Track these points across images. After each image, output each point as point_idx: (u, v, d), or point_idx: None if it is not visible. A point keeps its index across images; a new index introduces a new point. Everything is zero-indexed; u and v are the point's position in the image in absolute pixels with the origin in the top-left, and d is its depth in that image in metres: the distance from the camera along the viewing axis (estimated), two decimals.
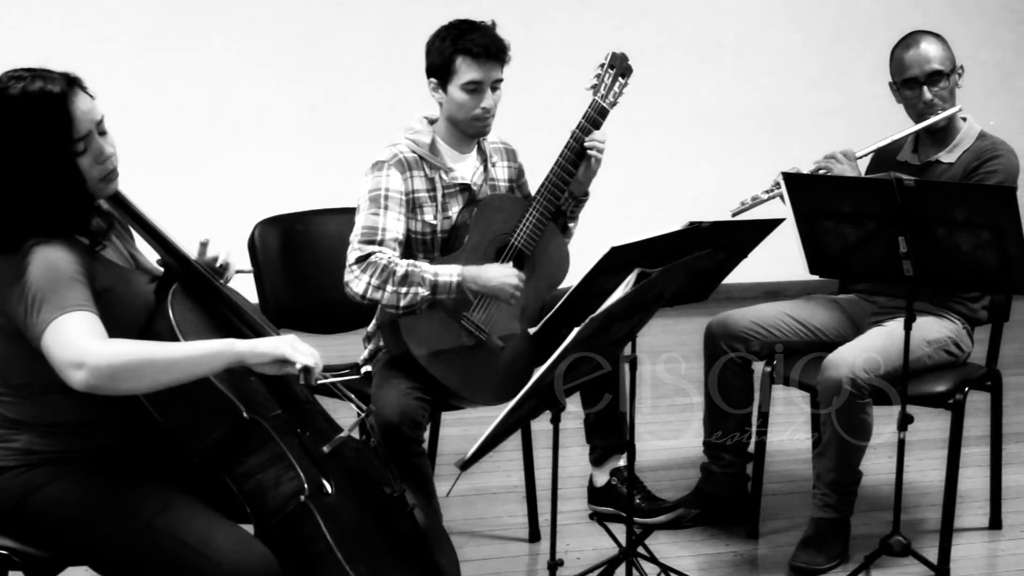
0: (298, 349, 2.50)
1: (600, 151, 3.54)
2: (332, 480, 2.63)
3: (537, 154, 3.77)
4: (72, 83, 2.46)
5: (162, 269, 2.71)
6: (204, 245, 2.76)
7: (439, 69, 3.47)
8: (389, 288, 3.34)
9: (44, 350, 2.39)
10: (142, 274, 2.65)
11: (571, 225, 3.71)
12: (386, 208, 3.41)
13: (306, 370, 2.50)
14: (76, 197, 2.48)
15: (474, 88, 3.45)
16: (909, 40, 3.75)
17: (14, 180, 2.42)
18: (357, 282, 3.36)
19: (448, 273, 3.37)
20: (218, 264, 2.78)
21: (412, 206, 3.47)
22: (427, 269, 3.37)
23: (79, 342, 2.35)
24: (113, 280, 2.54)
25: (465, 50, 3.42)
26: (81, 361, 2.34)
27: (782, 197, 3.56)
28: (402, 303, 3.35)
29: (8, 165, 2.42)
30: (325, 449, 2.65)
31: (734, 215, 3.62)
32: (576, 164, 3.54)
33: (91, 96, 2.49)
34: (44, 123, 2.41)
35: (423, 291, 3.34)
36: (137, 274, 2.64)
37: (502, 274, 3.41)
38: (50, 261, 2.41)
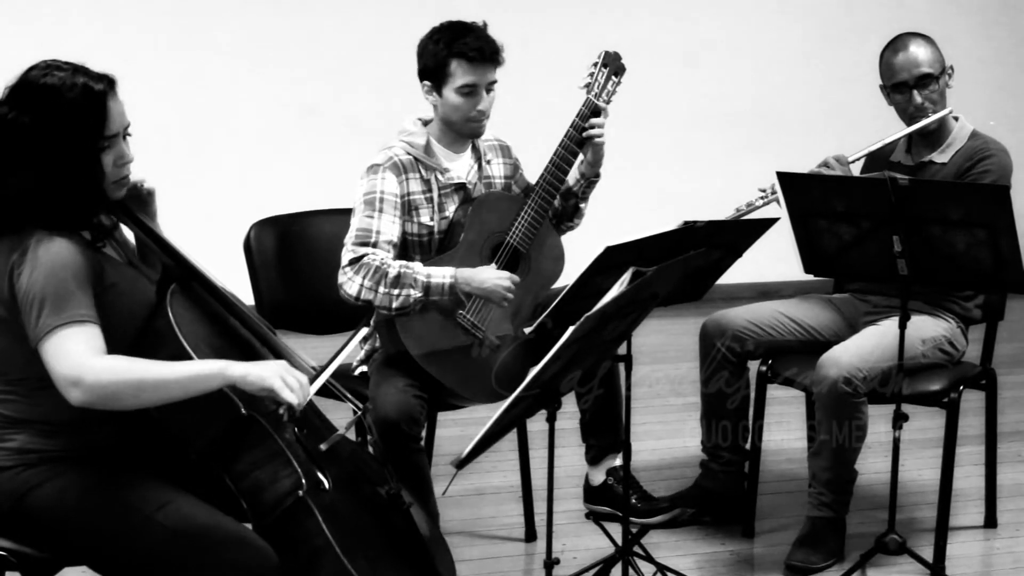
0: (288, 383, 2.49)
1: (599, 135, 3.54)
2: (329, 476, 2.64)
3: (532, 152, 3.77)
4: (112, 84, 2.54)
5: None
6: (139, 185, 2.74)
7: (433, 72, 3.46)
8: (382, 290, 3.34)
9: (43, 358, 2.42)
10: (141, 273, 2.68)
11: (582, 206, 3.71)
12: (381, 211, 3.41)
13: (289, 409, 2.51)
14: (91, 192, 2.52)
15: (469, 91, 3.45)
16: (897, 43, 3.73)
17: (37, 165, 2.46)
18: (350, 284, 3.37)
19: (441, 275, 3.38)
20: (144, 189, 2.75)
21: (408, 208, 3.47)
22: (420, 271, 3.37)
23: (78, 358, 2.39)
24: (117, 276, 2.57)
25: (459, 54, 3.42)
26: (78, 379, 2.38)
27: (777, 202, 3.57)
28: (394, 304, 3.35)
29: (35, 150, 2.46)
30: (322, 447, 2.66)
31: None
32: (570, 163, 3.54)
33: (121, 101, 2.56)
34: (82, 115, 2.47)
35: (416, 293, 3.35)
36: (137, 272, 2.67)
37: (495, 276, 3.42)
38: (53, 262, 2.43)
